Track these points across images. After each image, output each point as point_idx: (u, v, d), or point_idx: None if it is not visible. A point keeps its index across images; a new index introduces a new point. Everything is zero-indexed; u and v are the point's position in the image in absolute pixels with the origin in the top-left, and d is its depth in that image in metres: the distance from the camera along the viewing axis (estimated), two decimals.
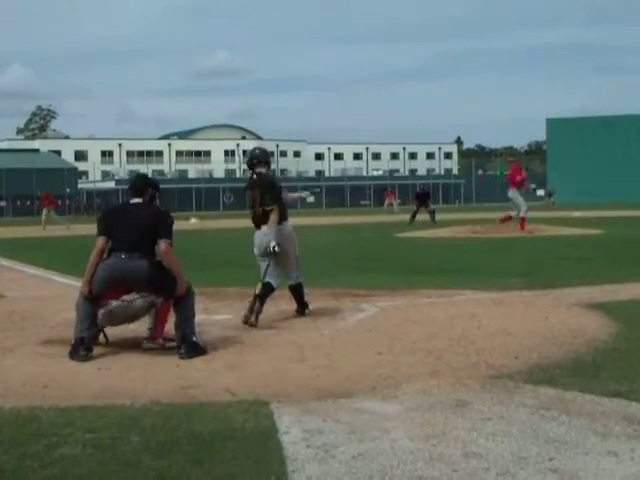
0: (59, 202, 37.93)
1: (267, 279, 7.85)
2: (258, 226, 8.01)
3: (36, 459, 3.88)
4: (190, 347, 6.35)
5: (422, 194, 32.97)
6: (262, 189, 7.99)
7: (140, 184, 7.03)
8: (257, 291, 7.73)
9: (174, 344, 6.52)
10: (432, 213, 31.39)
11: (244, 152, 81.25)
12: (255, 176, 8.11)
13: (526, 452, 3.90)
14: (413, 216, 31.28)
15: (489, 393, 5.00)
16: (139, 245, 6.52)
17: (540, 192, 71.33)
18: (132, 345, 6.84)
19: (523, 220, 21.66)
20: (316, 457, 3.87)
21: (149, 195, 6.95)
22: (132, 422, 4.46)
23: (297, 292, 8.23)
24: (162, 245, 6.49)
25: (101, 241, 6.63)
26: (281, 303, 8.57)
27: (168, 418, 4.54)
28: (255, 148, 8.52)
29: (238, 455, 3.90)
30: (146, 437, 4.19)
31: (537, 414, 4.52)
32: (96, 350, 6.47)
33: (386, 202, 52.35)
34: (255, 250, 8.06)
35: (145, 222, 6.61)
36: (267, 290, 7.81)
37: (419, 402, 4.82)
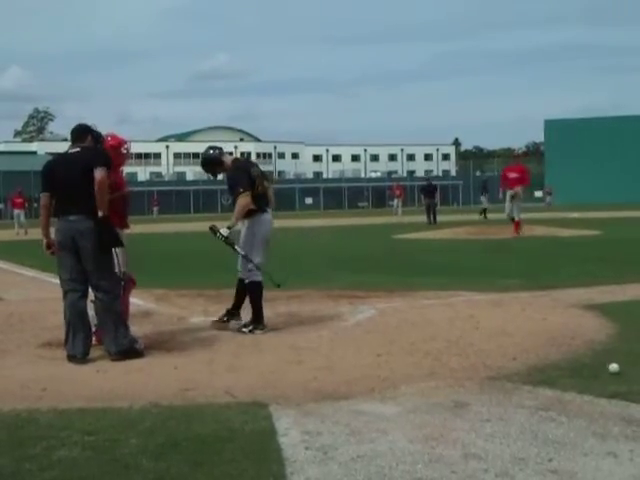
0: (34, 204, 34.93)
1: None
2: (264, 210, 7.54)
3: (34, 462, 3.88)
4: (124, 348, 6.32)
5: (428, 186, 32.36)
6: (261, 169, 7.84)
7: (81, 129, 6.62)
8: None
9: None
10: (434, 211, 30.88)
11: (242, 154, 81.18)
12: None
13: (525, 453, 3.90)
14: (428, 214, 30.70)
15: (488, 394, 5.00)
16: (82, 203, 6.28)
17: (538, 193, 71.33)
18: None
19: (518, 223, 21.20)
20: (315, 459, 3.87)
21: (86, 145, 6.52)
22: (131, 424, 4.46)
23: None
24: (97, 174, 6.18)
25: (44, 198, 6.51)
26: (279, 305, 8.58)
27: (167, 420, 4.54)
28: (208, 148, 7.87)
29: (237, 457, 3.90)
30: (145, 439, 4.19)
31: (536, 415, 4.52)
32: (94, 352, 6.47)
33: (395, 201, 47.00)
34: (266, 236, 7.53)
35: (82, 171, 6.28)
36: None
37: (418, 403, 4.82)
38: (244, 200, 7.25)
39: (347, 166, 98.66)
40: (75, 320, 6.38)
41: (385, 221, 36.14)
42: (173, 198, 73.02)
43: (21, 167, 62.25)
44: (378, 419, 4.50)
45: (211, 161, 7.65)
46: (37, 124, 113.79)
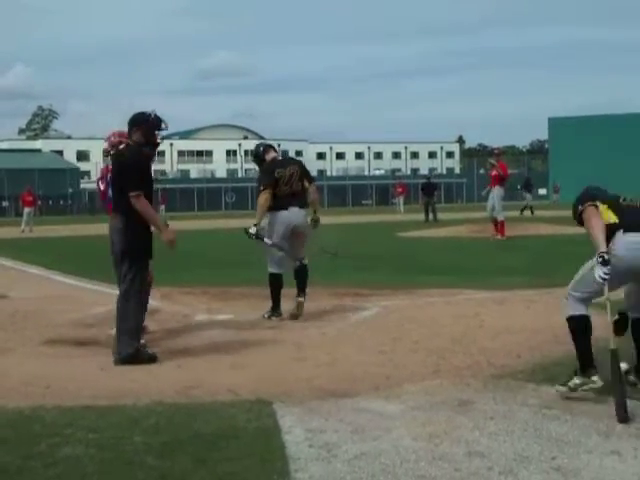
0: (39, 202, 35.94)
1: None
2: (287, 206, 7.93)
3: (39, 459, 3.89)
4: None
5: (428, 185, 32.45)
6: (302, 168, 8.24)
7: (130, 122, 6.39)
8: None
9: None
10: (434, 209, 30.98)
11: (246, 152, 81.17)
12: (281, 157, 8.45)
13: (529, 451, 3.90)
14: (426, 213, 30.78)
15: (492, 392, 5.00)
16: (117, 202, 6.25)
17: (542, 191, 71.14)
18: None
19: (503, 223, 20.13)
20: (319, 456, 3.87)
21: (135, 138, 6.29)
22: (135, 422, 4.47)
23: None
24: (131, 200, 6.05)
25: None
26: (283, 302, 8.57)
27: (171, 418, 4.55)
28: (259, 145, 8.56)
29: (241, 455, 3.91)
30: (149, 437, 4.19)
31: (540, 413, 4.52)
32: (98, 350, 6.48)
33: (397, 199, 47.85)
34: (283, 232, 7.95)
35: (115, 174, 6.32)
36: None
37: (421, 401, 4.82)
38: (261, 198, 7.93)
39: (351, 164, 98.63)
40: (116, 320, 6.26)
41: (389, 219, 36.11)
42: (177, 196, 73.06)
43: (26, 165, 62.38)
44: (382, 417, 4.51)
45: (255, 156, 8.37)
46: (41, 122, 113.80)
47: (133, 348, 6.12)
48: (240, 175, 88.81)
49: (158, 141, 6.38)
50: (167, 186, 71.85)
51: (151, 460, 3.85)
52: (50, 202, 58.87)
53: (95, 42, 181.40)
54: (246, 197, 69.07)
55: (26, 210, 34.04)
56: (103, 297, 6.96)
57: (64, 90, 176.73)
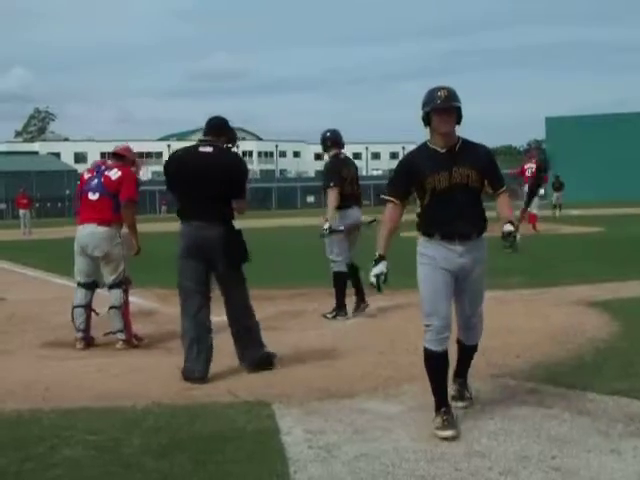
0: (35, 204, 35.82)
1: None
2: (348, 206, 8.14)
3: (38, 461, 3.88)
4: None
5: None
6: (356, 172, 8.55)
7: (220, 125, 5.91)
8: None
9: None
10: None
11: (243, 153, 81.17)
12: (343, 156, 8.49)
13: (528, 451, 3.90)
14: None
15: (491, 392, 5.00)
16: (213, 209, 5.67)
17: (541, 191, 71.12)
18: (133, 347, 6.85)
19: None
20: (318, 457, 3.87)
21: (223, 143, 5.88)
22: (133, 424, 4.46)
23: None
24: (237, 207, 5.76)
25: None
26: (281, 303, 8.57)
27: (169, 419, 4.54)
28: (326, 130, 8.54)
29: (240, 456, 3.90)
30: (148, 438, 4.19)
31: (539, 413, 4.52)
32: (97, 352, 6.47)
33: None
34: (349, 229, 8.13)
35: (219, 176, 5.66)
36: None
37: (421, 402, 4.81)
38: (331, 195, 8.05)
39: None
40: (244, 331, 5.99)
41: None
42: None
43: (23, 167, 62.24)
44: (381, 417, 4.50)
45: (322, 141, 8.45)
46: (38, 124, 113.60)
47: (262, 352, 5.93)
48: None
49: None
50: (164, 187, 71.84)
51: (150, 462, 3.84)
52: (48, 204, 58.74)
53: (92, 44, 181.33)
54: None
55: (21, 212, 33.97)
56: (100, 299, 6.95)
57: (61, 92, 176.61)
